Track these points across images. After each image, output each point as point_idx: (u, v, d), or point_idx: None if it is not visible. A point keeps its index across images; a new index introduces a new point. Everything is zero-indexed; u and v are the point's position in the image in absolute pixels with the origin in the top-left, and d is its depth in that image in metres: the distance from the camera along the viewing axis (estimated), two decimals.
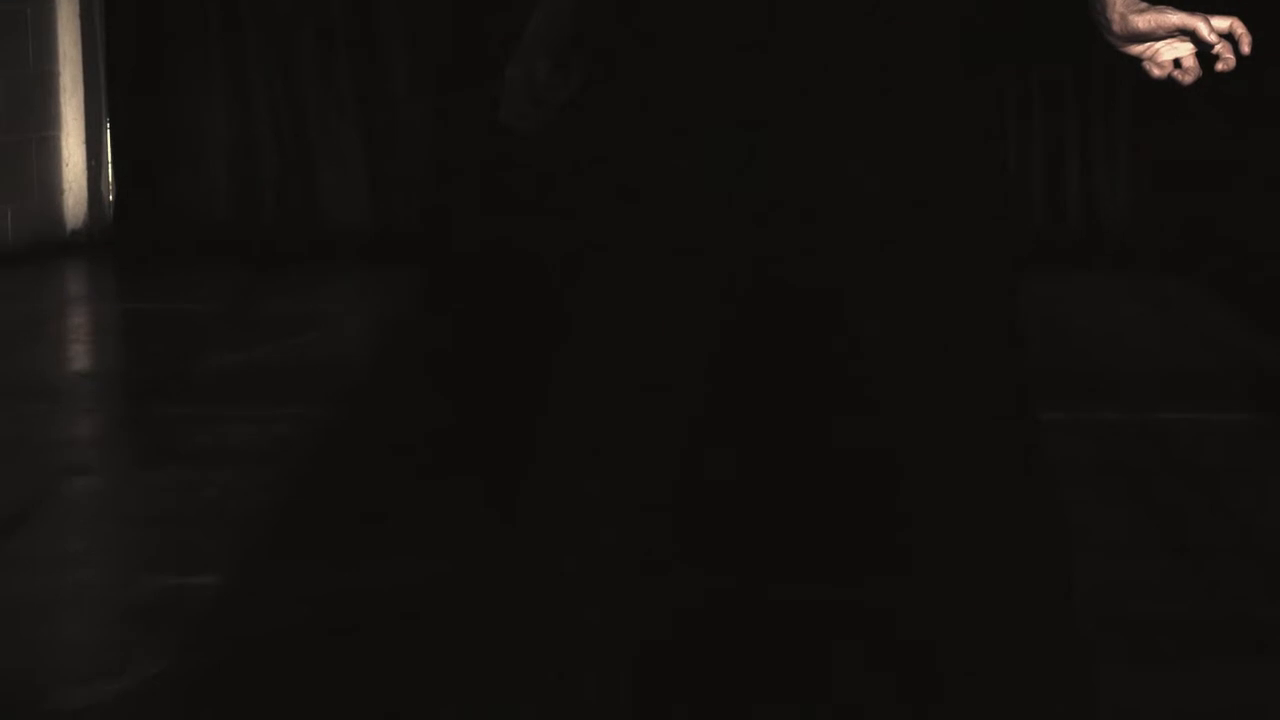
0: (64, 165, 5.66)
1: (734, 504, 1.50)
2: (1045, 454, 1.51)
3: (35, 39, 5.54)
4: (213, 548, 2.83)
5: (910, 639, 1.48)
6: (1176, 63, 1.56)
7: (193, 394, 3.87)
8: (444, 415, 3.61)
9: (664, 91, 1.46)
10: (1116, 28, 1.54)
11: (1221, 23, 1.53)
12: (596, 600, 1.44)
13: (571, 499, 1.46)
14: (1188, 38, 1.55)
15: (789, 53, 1.44)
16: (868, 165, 1.45)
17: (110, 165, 5.70)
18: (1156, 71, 1.56)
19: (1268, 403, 3.75)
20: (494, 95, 1.68)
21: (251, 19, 5.55)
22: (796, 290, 1.47)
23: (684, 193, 1.45)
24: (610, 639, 1.44)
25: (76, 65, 5.65)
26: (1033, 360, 1.52)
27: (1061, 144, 5.40)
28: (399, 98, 5.57)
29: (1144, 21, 1.53)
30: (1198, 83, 1.57)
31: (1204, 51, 1.55)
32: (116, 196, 5.69)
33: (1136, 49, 1.56)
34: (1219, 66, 1.54)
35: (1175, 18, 1.53)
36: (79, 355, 4.43)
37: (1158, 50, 1.55)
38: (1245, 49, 1.53)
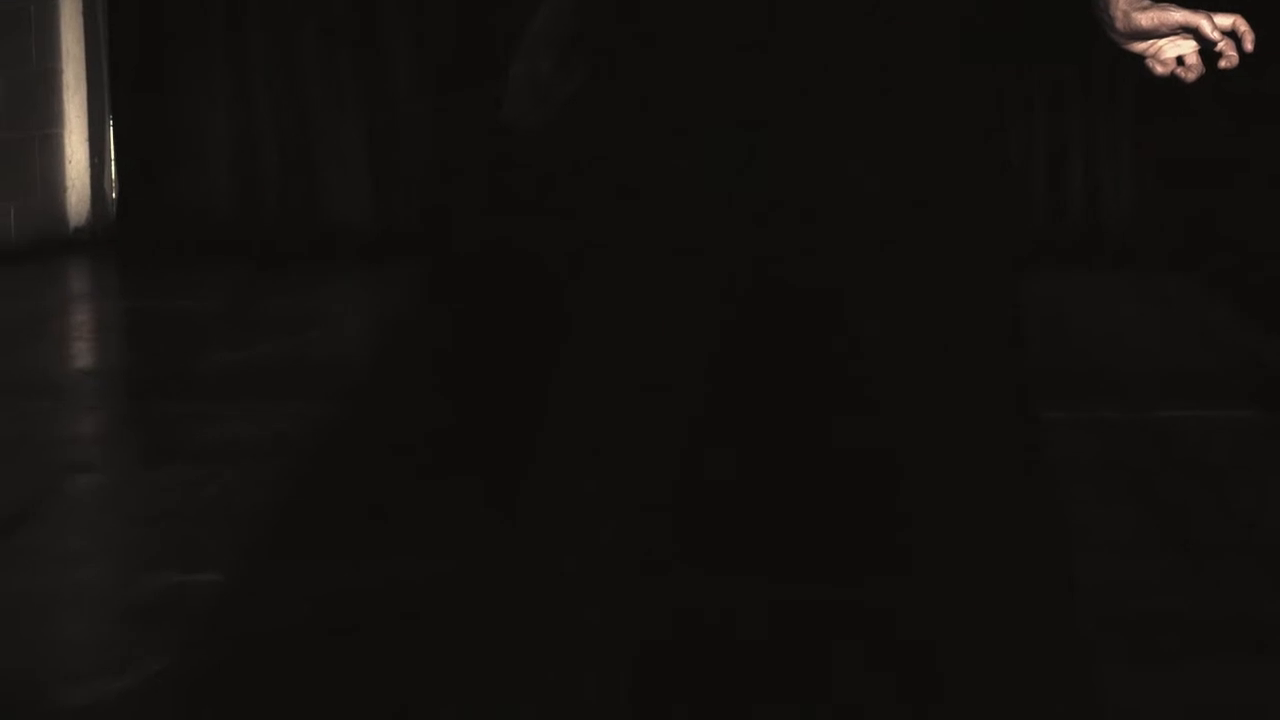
0: (67, 163, 5.67)
1: (734, 504, 1.50)
2: (1046, 453, 1.51)
3: (38, 37, 5.54)
4: (215, 546, 2.83)
5: (910, 639, 1.48)
6: (1179, 60, 1.55)
7: (194, 392, 3.87)
8: (445, 414, 3.61)
9: (664, 91, 1.46)
10: (1119, 25, 1.54)
11: (1224, 20, 1.53)
12: (596, 600, 1.44)
13: (571, 499, 1.45)
14: (1191, 35, 1.54)
15: (789, 53, 1.44)
16: (868, 165, 1.45)
17: (113, 163, 5.70)
18: (1159, 69, 1.56)
19: (1269, 401, 3.75)
20: (497, 94, 1.68)
21: (254, 17, 5.55)
22: (796, 290, 1.47)
23: (684, 193, 1.45)
24: (610, 639, 1.44)
25: (79, 63, 5.65)
26: (1034, 358, 1.52)
27: (1064, 142, 5.40)
28: (401, 97, 5.57)
29: (1147, 19, 1.53)
30: (1201, 80, 1.56)
31: (1207, 49, 1.55)
32: (119, 194, 5.69)
33: (1139, 46, 1.56)
34: (1222, 64, 1.54)
35: (1178, 15, 1.53)
36: (81, 353, 4.43)
37: (1161, 48, 1.55)
38: (1248, 46, 1.53)
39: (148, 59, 5.58)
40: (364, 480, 3.22)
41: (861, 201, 1.45)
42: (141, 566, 2.77)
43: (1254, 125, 5.12)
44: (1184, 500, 3.10)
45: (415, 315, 4.77)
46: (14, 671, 2.33)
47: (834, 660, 1.50)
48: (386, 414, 3.70)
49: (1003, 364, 1.49)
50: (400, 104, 5.56)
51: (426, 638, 2.29)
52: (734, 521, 1.51)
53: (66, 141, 5.66)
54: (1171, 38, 1.55)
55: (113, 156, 5.70)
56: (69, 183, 5.68)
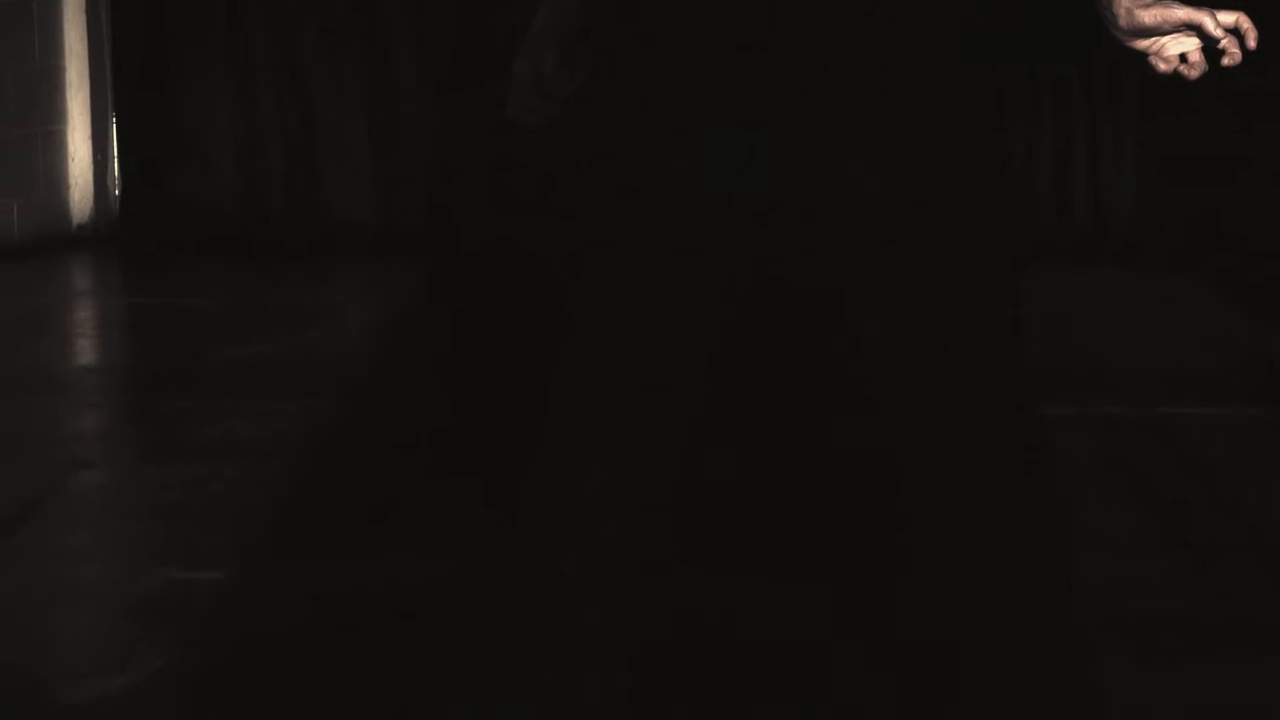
0: (70, 160, 5.67)
1: (734, 504, 1.50)
2: (1050, 451, 1.51)
3: (41, 34, 5.55)
4: (217, 543, 2.83)
5: (910, 639, 1.48)
6: (1183, 58, 1.55)
7: (197, 389, 3.88)
8: (448, 412, 3.61)
9: (664, 91, 1.46)
10: (1123, 22, 1.54)
11: (1228, 18, 1.52)
12: (596, 600, 1.44)
13: (571, 498, 1.45)
14: (1194, 33, 1.54)
15: (789, 53, 1.44)
16: (868, 165, 1.45)
17: (116, 160, 5.70)
18: (1163, 66, 1.55)
19: (1272, 399, 3.75)
20: (500, 92, 1.68)
21: (257, 14, 5.55)
22: (796, 290, 1.47)
23: (684, 193, 1.45)
24: (610, 639, 1.44)
25: (83, 60, 5.65)
26: (1036, 356, 1.52)
27: (1068, 140, 5.39)
28: (404, 93, 5.57)
29: (1150, 16, 1.53)
30: (1204, 78, 1.56)
31: (1210, 46, 1.55)
32: (122, 191, 5.69)
33: (1142, 44, 1.56)
34: (1225, 61, 1.54)
35: (1181, 12, 1.53)
36: (84, 350, 4.43)
37: (1164, 45, 1.55)
38: (1251, 44, 1.53)
39: (151, 56, 5.58)
40: (366, 478, 3.22)
41: (861, 201, 1.45)
42: (144, 563, 2.78)
43: (1257, 123, 5.11)
44: (1185, 499, 3.10)
45: (418, 313, 4.77)
46: (16, 668, 2.33)
47: (834, 660, 1.50)
48: (389, 412, 3.70)
49: (1003, 363, 1.49)
50: (404, 100, 5.56)
51: (427, 637, 2.29)
52: (734, 521, 1.51)
53: (69, 138, 5.67)
54: (1174, 35, 1.55)
55: (116, 153, 5.70)
56: (72, 180, 5.68)
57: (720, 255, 1.45)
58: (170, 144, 5.60)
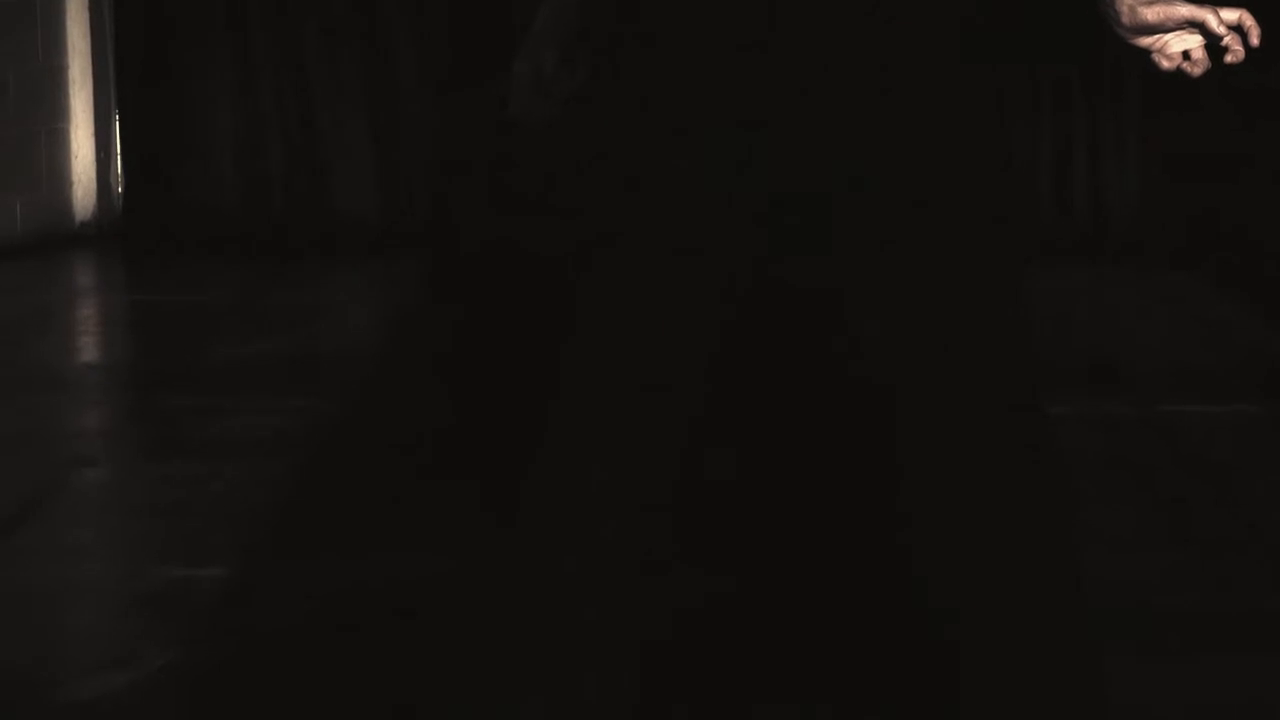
0: (73, 158, 5.67)
1: (734, 504, 1.49)
2: (1053, 451, 1.51)
3: (44, 32, 5.55)
4: (219, 540, 2.83)
5: (912, 638, 1.48)
6: (1185, 55, 1.55)
7: (200, 386, 3.88)
8: (449, 411, 3.61)
9: (664, 91, 1.46)
10: (1125, 20, 1.54)
11: (1230, 15, 1.53)
12: (596, 600, 1.44)
13: (571, 498, 1.45)
14: (1197, 30, 1.54)
15: (789, 53, 1.44)
16: (868, 165, 1.45)
17: (119, 158, 5.70)
18: (1165, 64, 1.56)
19: (1274, 396, 3.74)
20: (501, 91, 1.68)
21: (259, 12, 5.55)
22: (797, 290, 1.47)
23: (684, 193, 1.45)
24: (610, 639, 1.44)
25: (85, 58, 5.65)
26: (1039, 354, 1.52)
27: (1069, 137, 5.39)
28: (406, 92, 5.56)
29: (1153, 14, 1.53)
30: (1207, 75, 1.56)
31: (1213, 44, 1.55)
32: (125, 189, 5.70)
33: (1145, 41, 1.56)
34: (1228, 58, 1.54)
35: (1184, 10, 1.53)
36: (87, 347, 4.43)
37: (1167, 42, 1.55)
38: (1254, 41, 1.53)
39: (153, 54, 5.58)
40: (369, 476, 3.22)
41: (862, 201, 1.45)
42: (145, 561, 2.78)
43: (1260, 120, 5.11)
44: (1187, 496, 3.09)
45: (419, 312, 4.77)
46: (17, 665, 2.33)
47: (834, 660, 1.49)
48: (392, 409, 3.70)
49: (1005, 362, 1.49)
50: (404, 100, 5.56)
51: (428, 636, 2.29)
52: (734, 521, 1.51)
53: (72, 136, 5.67)
54: (1177, 32, 1.55)
55: (118, 151, 5.70)
56: (75, 177, 5.68)
57: (720, 255, 1.45)
58: (173, 142, 5.60)
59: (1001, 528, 1.48)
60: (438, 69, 5.51)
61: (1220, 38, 1.53)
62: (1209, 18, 1.52)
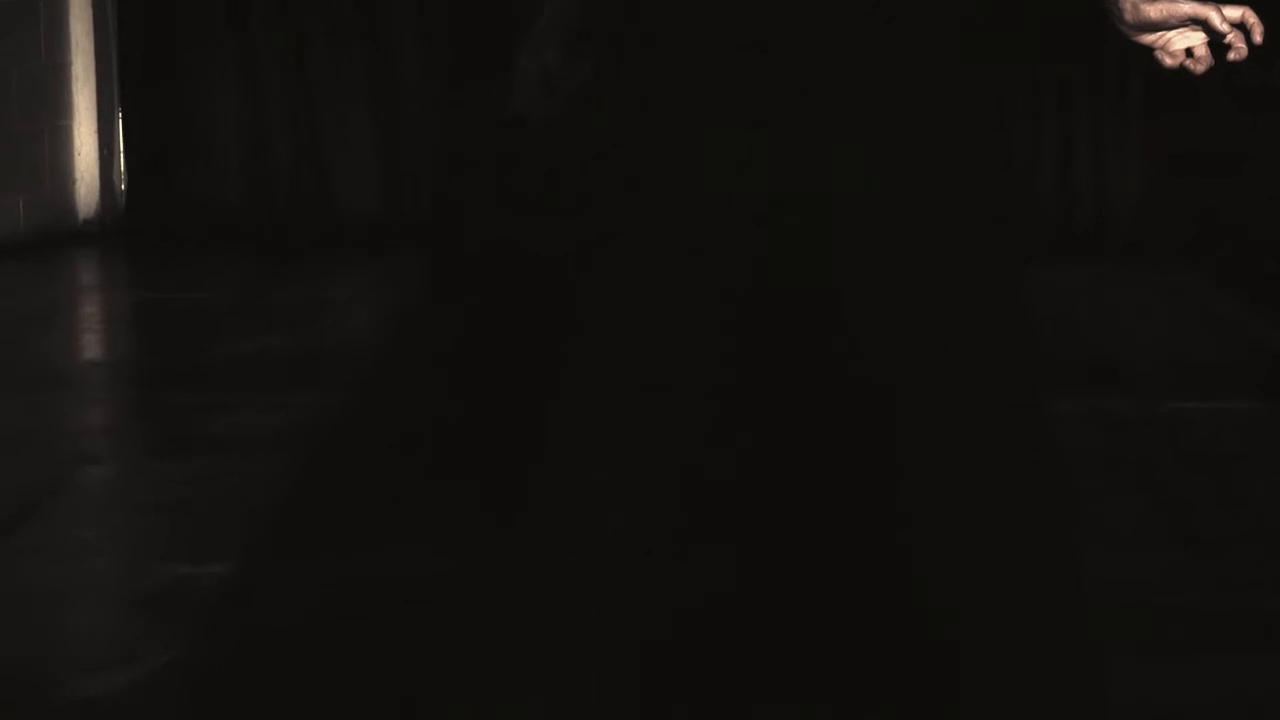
0: (76, 155, 5.67)
1: (734, 504, 1.49)
2: (1056, 449, 1.50)
3: (48, 30, 5.55)
4: (224, 537, 2.83)
5: (912, 638, 1.48)
6: (1188, 52, 1.56)
7: (204, 383, 3.88)
8: (452, 408, 3.61)
9: (665, 91, 1.46)
10: (1129, 17, 1.54)
11: (1233, 12, 1.53)
12: (597, 600, 1.44)
13: (572, 499, 1.45)
14: (1200, 27, 1.54)
15: (789, 53, 1.44)
16: (868, 165, 1.45)
17: (122, 155, 5.71)
18: (1169, 61, 1.56)
19: (1277, 394, 3.74)
20: (505, 87, 1.68)
21: (262, 9, 5.55)
22: (797, 290, 1.47)
23: (684, 192, 1.45)
24: (612, 638, 1.44)
25: (89, 56, 5.65)
26: (1042, 351, 1.52)
27: (1073, 134, 5.39)
28: (408, 89, 5.57)
29: (1156, 11, 1.53)
30: (1209, 72, 1.56)
31: (1216, 41, 1.55)
32: (128, 186, 5.70)
33: (1148, 38, 1.56)
34: (1231, 56, 1.54)
35: (1187, 7, 1.53)
36: (91, 344, 4.44)
37: (1170, 40, 1.55)
38: (1257, 38, 1.53)
39: (157, 52, 5.58)
40: (371, 473, 3.21)
41: (862, 201, 1.45)
42: (149, 558, 2.78)
43: (1262, 117, 5.11)
44: (1191, 493, 3.09)
45: (422, 308, 4.77)
46: (22, 662, 2.33)
47: (834, 660, 1.49)
48: (394, 407, 3.70)
49: (1007, 361, 1.49)
50: (410, 94, 5.57)
51: (433, 633, 2.29)
52: (734, 521, 1.51)
53: (76, 134, 5.67)
54: (1180, 30, 1.55)
55: (122, 148, 5.71)
56: (78, 175, 5.69)
57: (721, 255, 1.45)
58: (176, 139, 5.61)
59: (1002, 527, 1.47)
60: (439, 67, 5.51)
61: (1223, 35, 1.53)
62: (1212, 15, 1.52)
